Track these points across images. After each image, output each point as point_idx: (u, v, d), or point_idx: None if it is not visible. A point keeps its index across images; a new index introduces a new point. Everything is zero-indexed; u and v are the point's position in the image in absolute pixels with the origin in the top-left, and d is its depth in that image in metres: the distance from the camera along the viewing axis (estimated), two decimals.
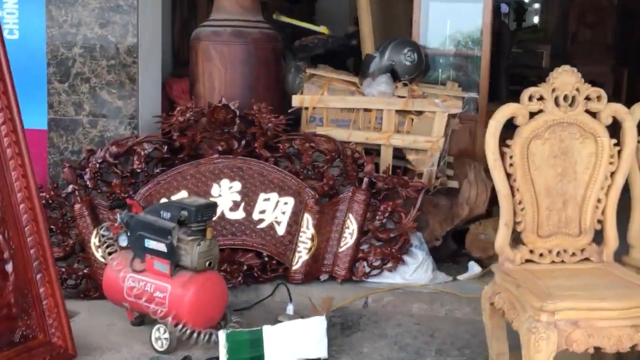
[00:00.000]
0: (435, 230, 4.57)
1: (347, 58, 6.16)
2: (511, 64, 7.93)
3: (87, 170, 3.74)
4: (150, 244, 2.90)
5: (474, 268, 4.40)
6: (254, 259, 3.89)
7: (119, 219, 3.06)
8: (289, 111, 4.40)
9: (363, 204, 3.91)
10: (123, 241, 3.08)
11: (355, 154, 4.08)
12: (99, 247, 3.61)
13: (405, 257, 4.05)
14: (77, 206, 3.68)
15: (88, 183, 3.74)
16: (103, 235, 3.25)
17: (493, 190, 4.83)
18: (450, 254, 4.78)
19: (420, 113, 4.44)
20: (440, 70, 5.53)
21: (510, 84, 7.58)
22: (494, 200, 4.80)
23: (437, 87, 4.91)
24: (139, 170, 3.77)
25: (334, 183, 3.95)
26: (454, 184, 4.63)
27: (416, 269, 4.12)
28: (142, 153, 3.76)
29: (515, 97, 2.84)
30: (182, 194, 3.82)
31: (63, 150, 4.19)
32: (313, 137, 4.00)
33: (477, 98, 4.95)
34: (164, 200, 3.75)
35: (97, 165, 3.74)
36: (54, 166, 4.20)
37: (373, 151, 4.55)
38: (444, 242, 4.65)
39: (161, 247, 2.81)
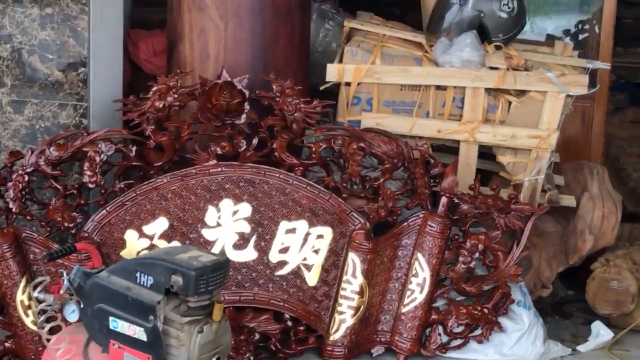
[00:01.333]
0: (542, 273, 3.97)
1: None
2: None
3: (10, 185, 3.04)
4: (119, 325, 2.32)
5: (601, 332, 3.87)
6: (270, 323, 3.21)
7: (65, 281, 2.51)
8: (322, 88, 3.85)
9: (439, 237, 3.23)
10: (72, 314, 2.52)
11: (428, 159, 3.57)
12: (28, 308, 3.10)
13: (503, 321, 3.38)
14: None
15: (11, 205, 3.01)
16: (38, 300, 2.69)
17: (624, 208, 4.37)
18: (556, 302, 4.18)
19: (522, 93, 3.85)
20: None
21: None
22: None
23: (540, 48, 4.36)
24: (91, 185, 3.08)
25: (394, 205, 3.29)
26: (569, 200, 4.07)
27: (519, 339, 3.51)
28: (98, 158, 3.06)
29: None
30: (160, 224, 3.11)
31: None
32: (364, 133, 3.27)
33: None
34: (131, 234, 3.10)
35: (25, 176, 3.04)
36: None
37: (447, 151, 4.01)
38: None
39: (137, 332, 2.27)
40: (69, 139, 3.13)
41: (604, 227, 3.92)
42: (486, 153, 3.84)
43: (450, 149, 3.82)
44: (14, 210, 3.04)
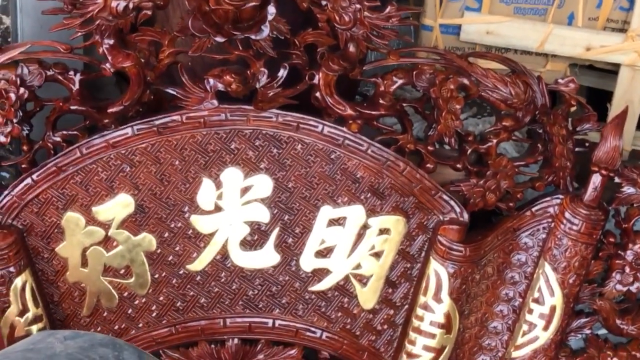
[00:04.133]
0: None
1: None
2: None
3: None
4: None
5: None
6: None
7: None
8: None
9: (585, 241, 2.21)
10: None
11: (574, 112, 2.35)
12: None
13: None
14: None
15: None
16: None
17: None
18: None
19: None
20: None
21: None
22: None
23: None
24: (3, 139, 2.07)
25: (512, 183, 2.24)
26: None
27: None
28: (13, 95, 2.03)
29: None
30: (122, 204, 2.12)
31: None
32: (469, 64, 2.18)
33: None
34: (74, 219, 2.14)
35: None
36: None
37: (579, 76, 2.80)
38: None
39: None
40: None
41: None
42: None
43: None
44: None
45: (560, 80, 2.23)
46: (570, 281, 2.24)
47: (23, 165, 2.11)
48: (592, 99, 2.65)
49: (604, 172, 2.18)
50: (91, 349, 1.40)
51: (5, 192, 2.09)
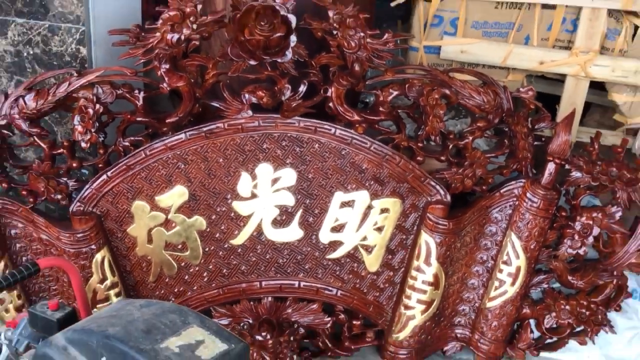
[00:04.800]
0: None
1: None
2: None
3: None
4: None
5: None
6: (319, 316, 2.31)
7: (4, 347, 1.52)
8: (393, 4, 2.60)
9: (542, 215, 2.20)
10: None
11: (534, 113, 2.34)
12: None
13: (614, 317, 2.39)
14: None
15: None
16: None
17: None
18: None
19: None
20: None
21: None
22: None
23: None
24: (84, 145, 2.04)
25: (485, 171, 2.23)
26: None
27: (632, 340, 2.54)
28: (91, 110, 2.01)
29: None
30: (179, 193, 2.13)
31: None
32: (450, 78, 2.14)
33: None
34: (141, 206, 2.12)
35: None
36: None
37: (534, 84, 2.78)
38: None
39: None
40: (53, 86, 2.02)
41: None
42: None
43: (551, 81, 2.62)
44: None
45: (521, 89, 2.23)
46: (532, 247, 2.25)
47: (99, 165, 2.12)
48: (544, 102, 2.64)
49: (557, 161, 2.20)
50: (162, 315, 1.34)
51: (86, 186, 2.10)
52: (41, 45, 2.33)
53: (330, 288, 2.31)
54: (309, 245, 2.26)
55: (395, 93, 2.16)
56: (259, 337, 2.26)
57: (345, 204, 2.22)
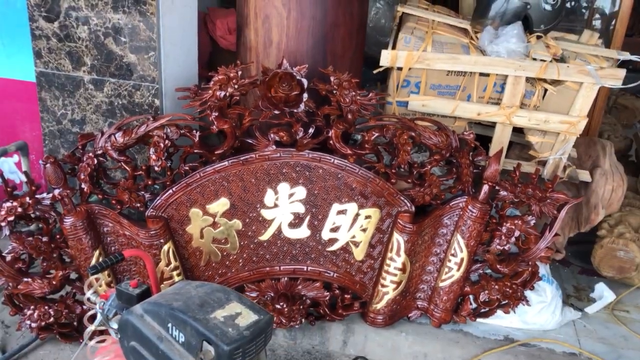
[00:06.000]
0: (556, 239, 2.90)
1: None
2: None
3: (81, 166, 2.00)
4: None
5: (605, 294, 2.77)
6: (320, 292, 2.25)
7: (98, 310, 1.48)
8: (375, 71, 2.61)
9: (479, 222, 2.15)
10: (115, 329, 1.56)
11: (474, 149, 2.36)
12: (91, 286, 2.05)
13: (529, 294, 2.35)
14: (67, 221, 1.97)
15: (82, 185, 2.01)
16: (90, 300, 1.68)
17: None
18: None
19: (558, 82, 2.63)
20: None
21: None
22: None
23: (568, 36, 3.03)
24: (157, 169, 2.02)
25: (439, 190, 2.18)
26: (585, 176, 2.87)
27: (541, 310, 2.50)
28: (162, 144, 1.99)
29: None
30: (223, 203, 2.08)
31: (60, 118, 2.36)
32: (415, 124, 2.12)
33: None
34: (196, 212, 2.06)
35: (95, 159, 1.99)
36: (50, 137, 2.39)
37: (473, 129, 2.77)
38: None
39: None
40: (135, 127, 1.98)
41: (612, 199, 2.76)
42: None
43: (485, 126, 2.57)
44: (85, 190, 1.95)
45: (464, 133, 2.21)
46: (471, 244, 2.21)
47: (167, 183, 2.08)
48: (480, 142, 2.59)
49: (490, 183, 2.17)
50: (212, 293, 1.32)
51: (157, 198, 2.07)
52: (127, 97, 2.30)
53: (329, 272, 2.26)
54: (314, 241, 2.21)
55: (376, 134, 2.13)
56: (277, 306, 2.22)
57: (340, 212, 2.17)
